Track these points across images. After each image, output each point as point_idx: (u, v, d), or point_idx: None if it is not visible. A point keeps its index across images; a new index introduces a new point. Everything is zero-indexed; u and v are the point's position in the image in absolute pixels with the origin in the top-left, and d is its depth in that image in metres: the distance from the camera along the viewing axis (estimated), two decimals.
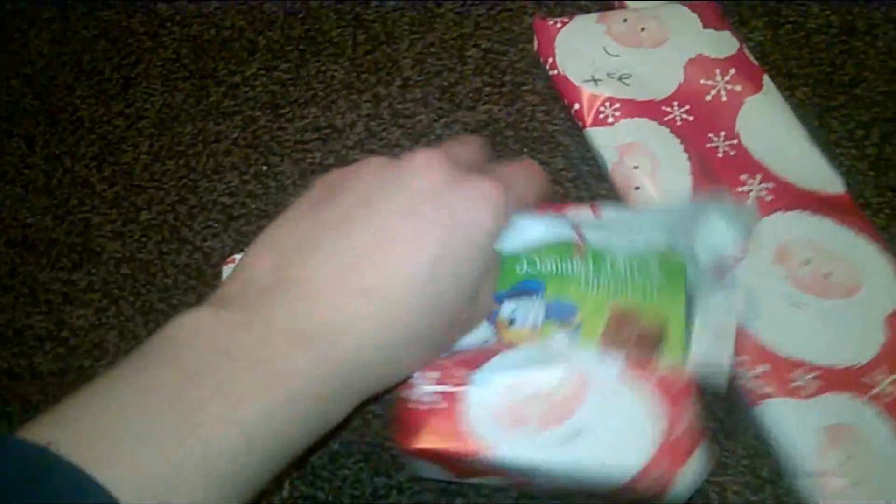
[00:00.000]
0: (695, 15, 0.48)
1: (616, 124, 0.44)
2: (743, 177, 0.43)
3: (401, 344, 0.29)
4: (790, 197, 0.42)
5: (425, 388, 0.32)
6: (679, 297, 0.35)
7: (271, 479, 0.27)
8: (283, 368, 0.26)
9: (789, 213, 0.42)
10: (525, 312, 0.34)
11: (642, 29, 0.47)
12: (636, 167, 0.43)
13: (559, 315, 0.34)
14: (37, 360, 0.46)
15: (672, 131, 0.44)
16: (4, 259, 0.49)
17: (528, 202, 0.33)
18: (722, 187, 0.43)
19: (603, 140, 0.45)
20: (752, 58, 0.47)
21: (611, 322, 0.34)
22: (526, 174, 0.34)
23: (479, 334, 0.33)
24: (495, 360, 0.33)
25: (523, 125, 0.49)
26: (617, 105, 0.45)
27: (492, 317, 0.34)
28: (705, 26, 0.47)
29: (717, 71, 0.46)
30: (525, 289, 0.34)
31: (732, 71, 0.46)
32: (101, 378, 0.26)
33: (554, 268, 0.35)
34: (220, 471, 0.25)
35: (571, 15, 0.49)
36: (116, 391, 0.25)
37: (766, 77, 0.46)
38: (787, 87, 0.48)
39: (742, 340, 0.40)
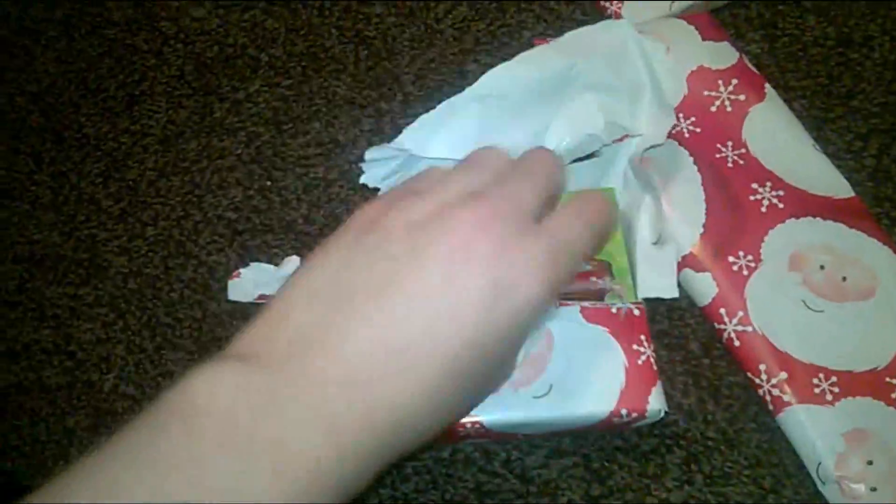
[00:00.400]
0: (692, 27, 0.48)
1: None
2: (754, 185, 0.43)
3: (425, 412, 0.27)
4: (801, 203, 0.43)
5: None
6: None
7: None
8: (303, 450, 0.24)
9: (802, 219, 0.43)
10: None
11: None
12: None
13: None
14: (45, 374, 0.46)
15: (680, 143, 0.45)
16: (12, 275, 0.49)
17: (584, 258, 0.31)
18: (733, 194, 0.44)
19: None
20: (752, 67, 0.47)
21: None
22: (584, 222, 0.31)
23: None
24: None
25: None
26: None
27: None
28: (704, 38, 0.48)
29: (720, 81, 0.46)
30: None
31: (735, 81, 0.46)
32: (108, 448, 0.24)
33: None
34: None
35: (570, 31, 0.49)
36: (123, 468, 0.23)
37: (768, 85, 0.47)
38: (785, 98, 0.48)
39: (761, 348, 0.40)
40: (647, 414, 0.36)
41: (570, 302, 0.37)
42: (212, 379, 0.25)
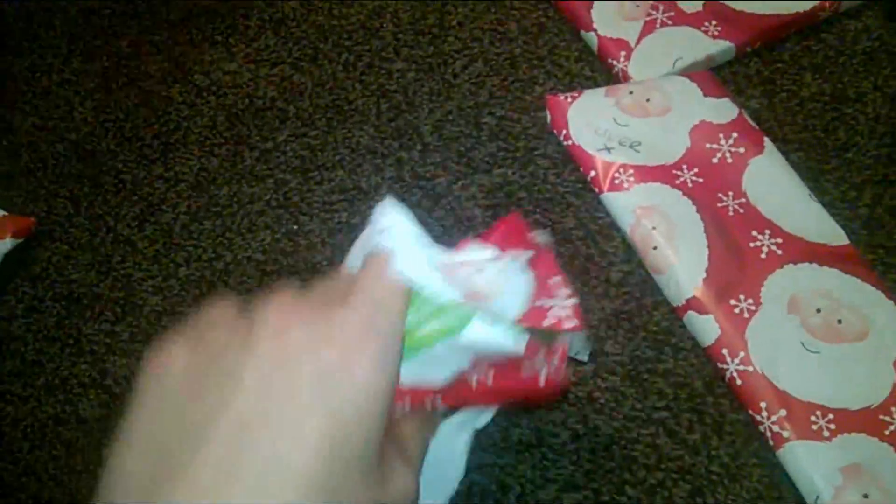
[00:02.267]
0: (694, 85, 0.52)
1: (631, 189, 0.48)
2: (754, 233, 0.46)
3: None
4: (799, 250, 0.46)
5: None
6: None
7: None
8: None
9: (799, 265, 0.45)
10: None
11: (647, 100, 0.51)
12: (654, 228, 0.47)
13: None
14: (81, 406, 0.48)
15: (684, 193, 0.48)
16: (52, 312, 0.52)
17: (396, 309, 0.28)
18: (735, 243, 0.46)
19: (620, 204, 0.48)
20: (751, 122, 0.50)
21: None
22: (374, 277, 0.28)
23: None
24: None
25: (536, 187, 0.53)
26: (630, 171, 0.48)
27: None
28: (705, 95, 0.51)
29: (721, 135, 0.49)
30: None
31: (735, 135, 0.49)
32: None
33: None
34: None
35: (581, 90, 0.53)
36: None
37: (766, 139, 0.50)
38: (783, 150, 0.51)
39: (762, 387, 0.43)
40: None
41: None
42: None
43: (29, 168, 0.58)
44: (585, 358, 0.43)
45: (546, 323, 0.31)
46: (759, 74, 0.56)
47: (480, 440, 0.45)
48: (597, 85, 0.56)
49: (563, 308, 0.32)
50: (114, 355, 0.50)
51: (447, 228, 0.51)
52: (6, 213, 0.54)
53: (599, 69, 0.57)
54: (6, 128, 0.60)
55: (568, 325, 0.31)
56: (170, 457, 0.24)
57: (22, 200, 0.57)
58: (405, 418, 0.30)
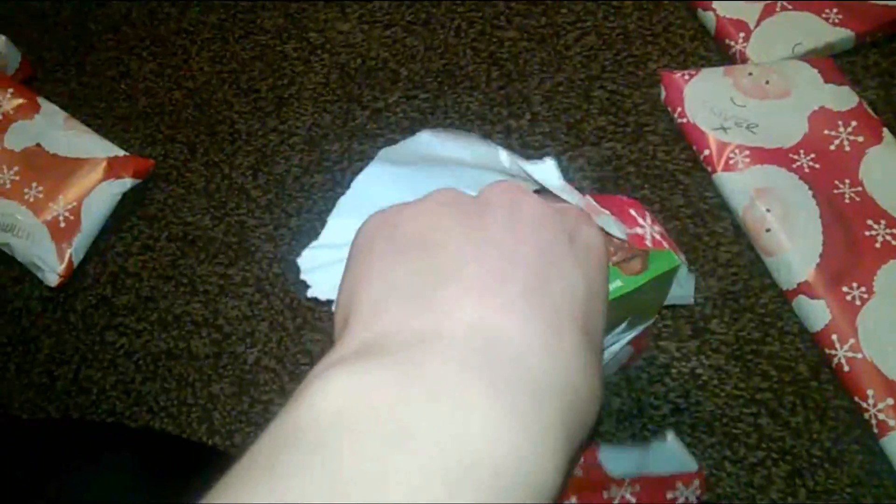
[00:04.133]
0: (815, 71, 0.51)
1: (746, 170, 0.48)
2: (869, 222, 0.46)
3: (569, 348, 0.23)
4: None
5: None
6: None
7: None
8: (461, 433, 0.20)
9: None
10: None
11: (767, 82, 0.51)
12: (768, 210, 0.47)
13: None
14: (193, 343, 0.50)
15: (800, 178, 0.47)
16: (167, 251, 0.54)
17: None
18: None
19: (734, 185, 0.48)
20: (871, 111, 0.50)
21: None
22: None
23: None
24: None
25: (645, 163, 0.53)
26: (746, 152, 0.49)
27: None
28: (826, 81, 0.51)
29: (840, 122, 0.49)
30: None
31: (854, 123, 0.49)
32: (241, 475, 0.20)
33: None
34: None
35: (697, 68, 0.53)
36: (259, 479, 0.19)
37: (885, 130, 0.49)
38: None
39: (870, 375, 0.43)
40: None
41: None
42: (336, 380, 0.21)
43: (147, 112, 0.60)
44: (691, 299, 0.42)
45: (647, 243, 0.33)
46: (877, 65, 0.55)
47: None
48: (711, 65, 0.55)
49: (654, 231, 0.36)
50: (226, 297, 0.52)
51: None
52: (127, 154, 0.56)
53: (715, 49, 0.57)
54: (124, 72, 0.62)
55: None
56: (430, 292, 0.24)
57: (139, 143, 0.59)
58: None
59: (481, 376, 0.21)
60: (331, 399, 0.21)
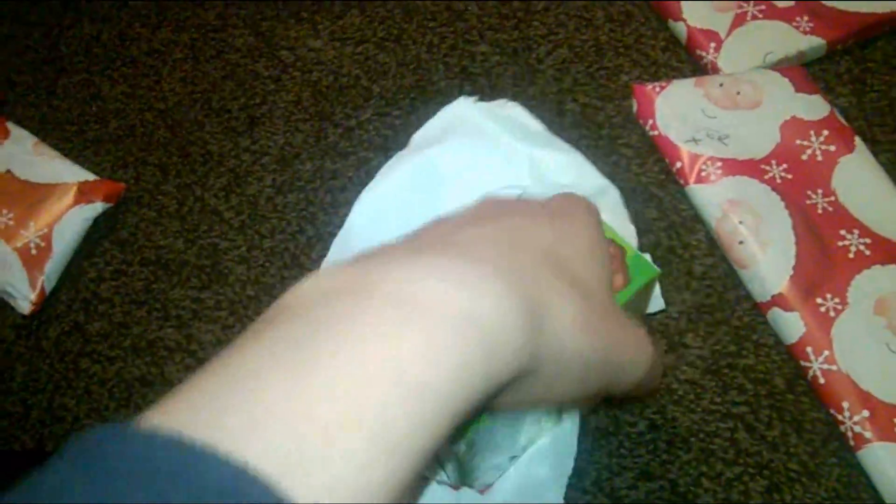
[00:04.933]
0: (786, 80, 0.51)
1: (718, 182, 0.48)
2: (842, 232, 0.46)
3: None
4: (887, 252, 0.45)
5: None
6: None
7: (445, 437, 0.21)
8: (431, 300, 0.22)
9: (887, 266, 0.45)
10: None
11: (738, 92, 0.50)
12: (741, 222, 0.47)
13: None
14: (167, 369, 0.50)
15: (772, 189, 0.47)
16: (139, 276, 0.53)
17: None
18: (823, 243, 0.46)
19: (706, 197, 0.48)
20: (843, 120, 0.50)
21: None
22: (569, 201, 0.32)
23: None
24: None
25: (619, 176, 0.53)
26: (718, 164, 0.48)
27: None
28: (797, 90, 0.51)
29: (812, 132, 0.49)
30: None
31: (825, 132, 0.49)
32: (224, 353, 0.21)
33: None
34: (381, 426, 0.19)
35: (669, 80, 0.53)
36: (249, 360, 0.21)
37: (857, 138, 0.49)
38: (872, 151, 0.50)
39: (845, 387, 0.43)
40: None
41: None
42: (311, 278, 0.23)
43: (118, 135, 0.59)
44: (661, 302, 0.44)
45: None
46: (849, 73, 0.55)
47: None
48: (684, 76, 0.55)
49: None
50: (199, 321, 0.51)
51: None
52: (98, 178, 0.55)
53: (686, 60, 0.57)
54: (95, 94, 0.62)
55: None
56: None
57: (111, 166, 0.58)
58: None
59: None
60: (315, 281, 0.23)
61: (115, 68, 0.63)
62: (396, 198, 0.49)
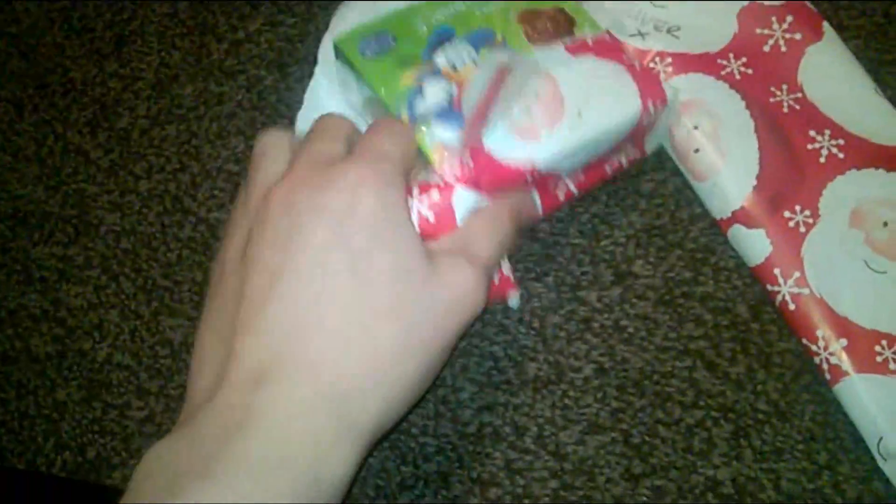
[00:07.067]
0: None
1: (669, 81, 0.41)
2: (811, 133, 0.40)
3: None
4: (863, 153, 0.39)
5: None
6: None
7: None
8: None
9: (863, 170, 0.39)
10: (457, 54, 0.36)
11: None
12: (696, 127, 0.40)
13: (483, 42, 0.36)
14: (33, 342, 0.43)
15: (731, 86, 0.41)
16: None
17: (401, 160, 0.32)
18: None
19: None
20: (808, 3, 0.43)
21: (524, 25, 0.38)
22: (386, 131, 0.33)
23: (438, 94, 0.35)
24: (472, 104, 0.34)
25: None
26: (668, 60, 0.41)
27: (435, 72, 0.35)
28: None
29: (774, 18, 0.42)
30: (439, 39, 0.36)
31: (790, 18, 0.42)
32: None
33: (447, 11, 0.37)
34: None
35: None
36: None
37: (826, 24, 0.42)
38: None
39: (818, 313, 0.37)
40: (668, 98, 0.38)
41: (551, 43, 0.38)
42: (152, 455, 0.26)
43: None
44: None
45: None
46: None
47: (491, 377, 0.39)
48: None
49: None
50: (67, 283, 0.43)
51: None
52: None
53: None
54: None
55: None
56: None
57: None
58: (477, 217, 0.33)
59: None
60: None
61: None
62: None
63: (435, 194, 0.33)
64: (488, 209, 0.34)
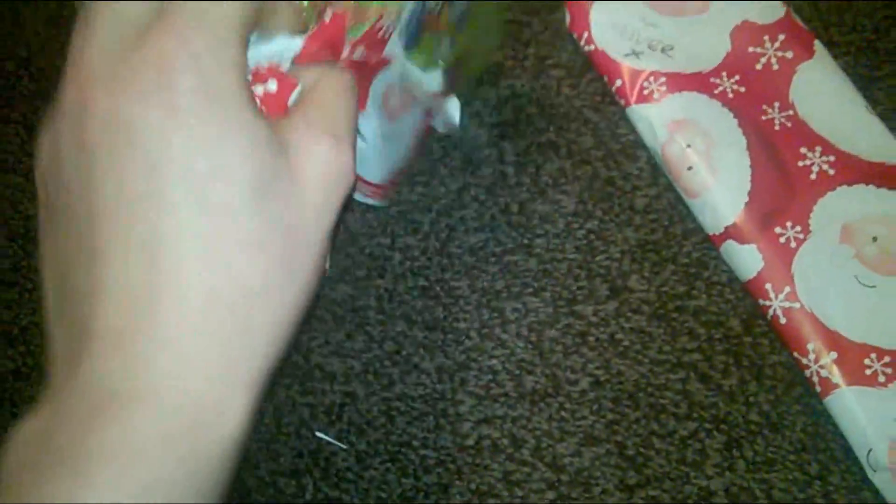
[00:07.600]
0: None
1: (663, 100, 0.42)
2: (803, 150, 0.40)
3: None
4: (853, 170, 0.40)
5: None
6: None
7: None
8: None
9: (854, 187, 0.39)
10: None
11: None
12: (689, 146, 0.41)
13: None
14: (44, 360, 0.44)
15: (724, 105, 0.41)
16: (6, 253, 0.46)
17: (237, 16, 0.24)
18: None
19: (650, 118, 0.42)
20: (800, 22, 0.44)
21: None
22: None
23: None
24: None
25: (549, 101, 0.46)
26: (662, 79, 0.42)
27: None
28: None
29: (766, 37, 0.43)
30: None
31: (782, 36, 0.43)
32: None
33: None
34: None
35: None
36: None
37: (817, 42, 0.43)
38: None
39: (809, 326, 0.38)
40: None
41: None
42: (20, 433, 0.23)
43: None
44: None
45: None
46: None
47: (489, 390, 0.40)
48: None
49: None
50: None
51: (448, 150, 0.45)
52: None
53: None
54: None
55: None
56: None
57: None
58: (323, 83, 0.27)
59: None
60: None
61: None
62: None
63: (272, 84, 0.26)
64: (328, 80, 0.27)
